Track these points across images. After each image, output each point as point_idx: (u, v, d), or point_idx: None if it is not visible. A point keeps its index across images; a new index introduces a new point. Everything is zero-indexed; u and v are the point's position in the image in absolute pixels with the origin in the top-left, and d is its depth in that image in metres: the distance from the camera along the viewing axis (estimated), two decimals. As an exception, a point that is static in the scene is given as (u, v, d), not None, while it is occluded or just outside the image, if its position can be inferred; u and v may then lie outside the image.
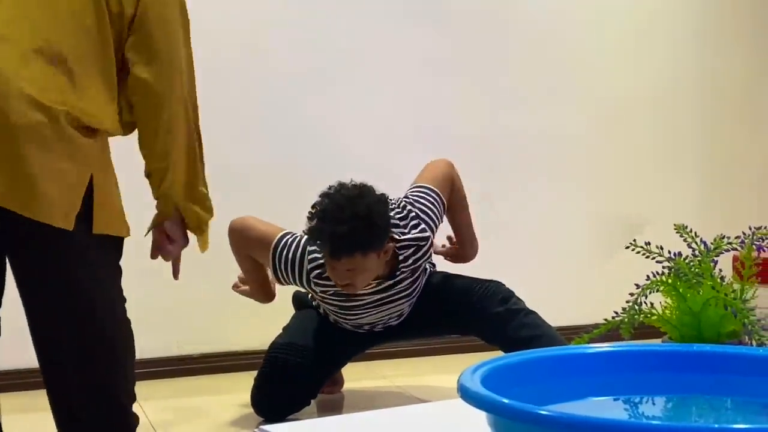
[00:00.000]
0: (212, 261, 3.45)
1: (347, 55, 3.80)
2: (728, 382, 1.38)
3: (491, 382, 1.20)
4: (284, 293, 3.17)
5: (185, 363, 3.63)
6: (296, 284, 2.94)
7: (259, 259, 3.01)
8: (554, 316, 3.09)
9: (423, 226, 2.93)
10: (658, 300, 2.06)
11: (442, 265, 3.22)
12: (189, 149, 2.13)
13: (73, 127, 1.93)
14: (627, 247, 2.09)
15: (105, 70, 2.01)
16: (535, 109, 4.07)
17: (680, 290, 2.01)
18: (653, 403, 1.41)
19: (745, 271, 2.07)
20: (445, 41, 3.94)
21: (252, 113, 3.69)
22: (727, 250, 2.10)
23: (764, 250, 2.12)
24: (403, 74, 3.89)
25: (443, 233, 3.20)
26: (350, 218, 2.68)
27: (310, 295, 3.11)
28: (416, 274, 2.99)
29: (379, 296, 2.97)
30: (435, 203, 2.99)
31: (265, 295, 3.14)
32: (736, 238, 2.10)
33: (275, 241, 2.91)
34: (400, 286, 2.97)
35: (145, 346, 3.49)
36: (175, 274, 2.27)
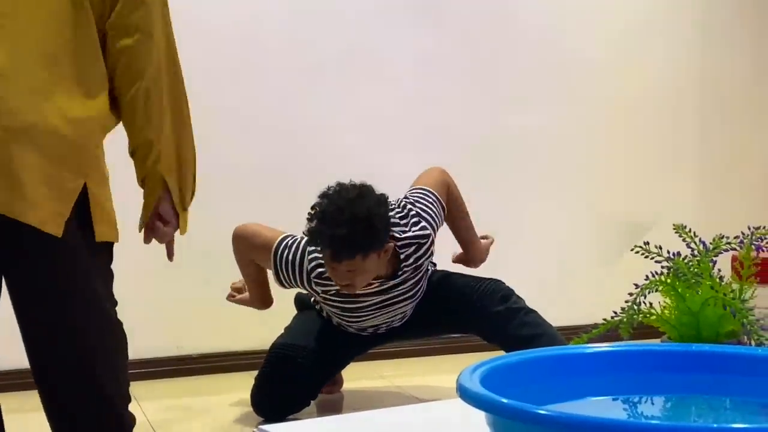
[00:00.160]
0: (212, 261, 3.48)
1: (347, 54, 3.80)
2: (727, 381, 1.39)
3: (490, 382, 1.21)
4: (284, 294, 3.17)
5: (185, 363, 3.63)
6: (298, 285, 2.94)
7: (262, 264, 3.01)
8: (554, 316, 3.09)
9: (423, 223, 2.93)
10: (657, 300, 2.07)
11: (442, 264, 3.22)
12: (174, 122, 2.09)
13: (66, 130, 1.93)
14: (632, 250, 2.09)
15: (95, 62, 2.00)
16: (535, 109, 4.07)
17: (679, 290, 2.02)
18: (652, 403, 1.41)
19: (744, 271, 2.07)
20: (445, 41, 3.94)
21: (249, 113, 3.68)
22: (726, 250, 2.10)
23: (763, 250, 2.12)
24: (403, 74, 3.88)
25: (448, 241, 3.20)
26: (350, 220, 2.68)
27: (312, 299, 3.12)
28: (419, 275, 2.99)
29: (382, 298, 2.97)
30: (434, 204, 3.00)
31: (263, 301, 3.14)
32: (735, 238, 2.10)
33: (276, 243, 2.91)
34: (403, 287, 2.97)
35: (145, 346, 3.53)
36: (170, 255, 2.23)
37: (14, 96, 1.89)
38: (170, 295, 3.55)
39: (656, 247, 2.07)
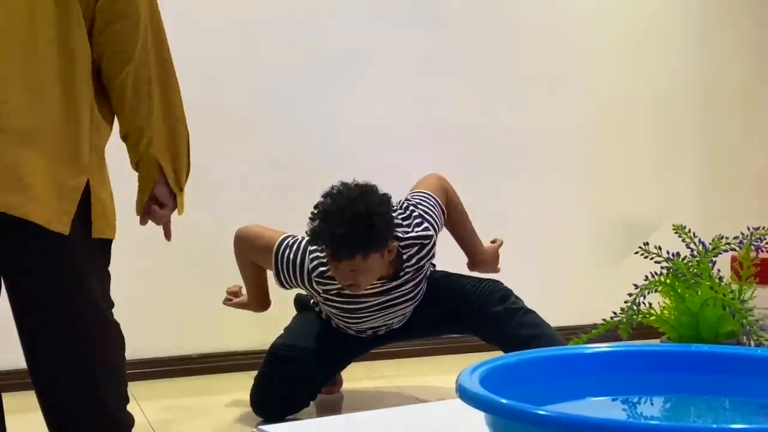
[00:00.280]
0: (212, 261, 3.48)
1: (347, 54, 3.80)
2: (726, 382, 1.39)
3: (490, 382, 1.21)
4: (284, 296, 3.17)
5: (185, 363, 3.63)
6: (299, 285, 2.94)
7: (264, 265, 3.01)
8: (553, 316, 3.09)
9: (426, 224, 2.93)
10: (656, 300, 2.07)
11: (442, 264, 3.22)
12: (164, 104, 2.09)
13: (68, 129, 1.93)
14: (636, 252, 2.08)
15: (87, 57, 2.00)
16: (535, 109, 4.07)
17: (679, 290, 2.02)
18: (651, 404, 1.41)
19: (744, 272, 2.07)
20: (444, 40, 3.94)
21: (250, 113, 3.68)
22: (726, 251, 2.10)
23: (762, 251, 2.12)
24: (403, 74, 3.89)
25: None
26: (350, 220, 2.68)
27: (312, 300, 3.12)
28: (419, 276, 2.99)
29: (382, 299, 2.97)
30: (435, 207, 3.00)
31: (261, 303, 3.15)
32: (734, 238, 2.10)
33: (277, 243, 2.91)
34: (403, 288, 2.97)
35: (145, 346, 3.53)
36: (168, 235, 2.22)
37: (14, 97, 1.89)
38: (170, 295, 3.55)
39: (656, 247, 2.07)
